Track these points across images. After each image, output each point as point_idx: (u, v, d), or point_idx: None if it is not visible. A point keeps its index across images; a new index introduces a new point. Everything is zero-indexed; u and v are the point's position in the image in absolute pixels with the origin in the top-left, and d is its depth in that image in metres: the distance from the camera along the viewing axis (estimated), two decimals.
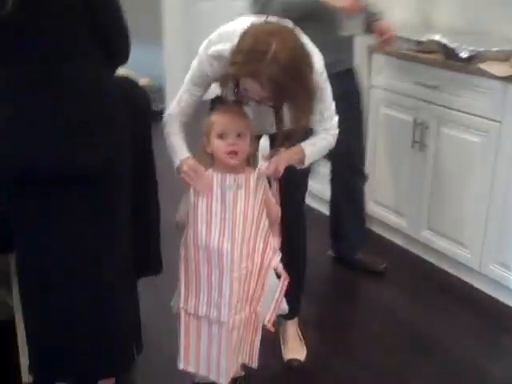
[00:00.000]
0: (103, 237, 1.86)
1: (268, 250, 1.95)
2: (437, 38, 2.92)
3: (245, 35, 1.73)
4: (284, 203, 2.01)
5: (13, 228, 1.86)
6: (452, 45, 2.81)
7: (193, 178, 1.87)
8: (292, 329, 2.47)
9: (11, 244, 1.90)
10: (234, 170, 1.87)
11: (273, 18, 1.81)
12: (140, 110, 2.06)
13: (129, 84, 2.09)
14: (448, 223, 2.96)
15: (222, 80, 1.82)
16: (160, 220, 2.23)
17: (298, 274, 2.30)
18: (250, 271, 1.91)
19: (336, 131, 2.03)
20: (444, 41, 2.87)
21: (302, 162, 1.99)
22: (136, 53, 5.47)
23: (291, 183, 2.04)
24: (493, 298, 2.84)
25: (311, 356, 2.43)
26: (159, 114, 2.06)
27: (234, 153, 1.83)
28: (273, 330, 2.01)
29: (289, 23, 1.79)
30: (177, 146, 1.95)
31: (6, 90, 1.71)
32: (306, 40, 1.83)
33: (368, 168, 3.15)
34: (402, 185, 3.16)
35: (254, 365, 2.06)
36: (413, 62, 2.99)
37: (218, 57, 1.87)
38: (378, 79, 3.20)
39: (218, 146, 1.84)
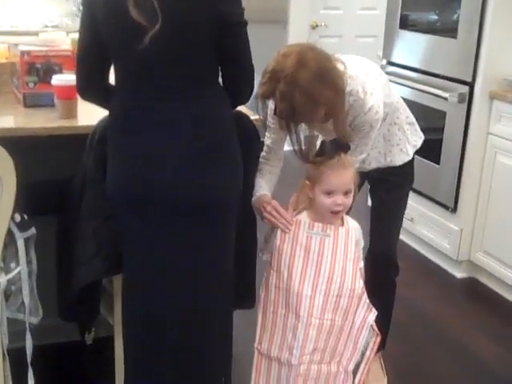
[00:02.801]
0: (217, 263, 1.86)
1: (360, 308, 1.90)
2: None
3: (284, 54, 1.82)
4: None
5: (125, 250, 1.88)
6: None
7: (277, 218, 1.90)
8: (376, 362, 2.43)
9: (120, 265, 1.92)
10: (328, 219, 1.87)
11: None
12: (249, 143, 2.13)
13: (240, 117, 2.16)
14: None
15: (260, 100, 1.87)
16: (256, 253, 2.19)
17: (386, 310, 2.29)
18: (338, 325, 1.88)
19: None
20: None
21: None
22: None
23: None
24: None
25: None
26: None
27: (337, 212, 1.84)
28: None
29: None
30: (257, 183, 2.00)
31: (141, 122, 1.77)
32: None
33: (478, 215, 3.06)
34: None
35: None
36: None
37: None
38: (497, 127, 3.12)
39: (324, 202, 1.84)
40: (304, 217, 1.90)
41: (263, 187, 2.00)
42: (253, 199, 1.99)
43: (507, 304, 3.13)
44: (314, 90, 1.76)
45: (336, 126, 1.87)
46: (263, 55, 5.75)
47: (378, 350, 2.37)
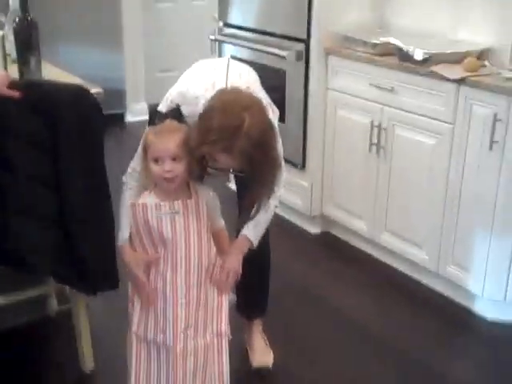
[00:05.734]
0: None
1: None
2: (391, 40, 2.93)
3: (213, 110, 1.74)
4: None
5: None
6: (406, 47, 2.82)
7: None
8: (257, 334, 2.45)
9: None
10: (174, 192, 1.84)
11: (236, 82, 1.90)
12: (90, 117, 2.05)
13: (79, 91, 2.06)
14: (404, 225, 2.98)
15: (194, 158, 1.79)
16: (115, 234, 2.13)
17: (261, 273, 2.32)
18: (203, 298, 1.88)
19: (277, 202, 2.04)
20: (398, 43, 2.88)
21: (252, 246, 2.01)
22: (97, 55, 5.39)
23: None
24: (448, 298, 2.87)
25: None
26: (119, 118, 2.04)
27: (170, 179, 1.80)
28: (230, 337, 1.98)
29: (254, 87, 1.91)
30: (122, 223, 1.92)
31: None
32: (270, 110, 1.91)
33: (325, 170, 3.15)
34: (359, 187, 3.17)
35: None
36: (368, 64, 3.00)
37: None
38: (334, 81, 3.20)
39: (154, 170, 1.81)
40: (151, 199, 1.85)
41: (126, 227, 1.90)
42: (119, 244, 1.92)
43: (360, 253, 3.27)
44: (266, 143, 1.77)
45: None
46: (97, 24, 5.47)
47: (259, 316, 2.44)
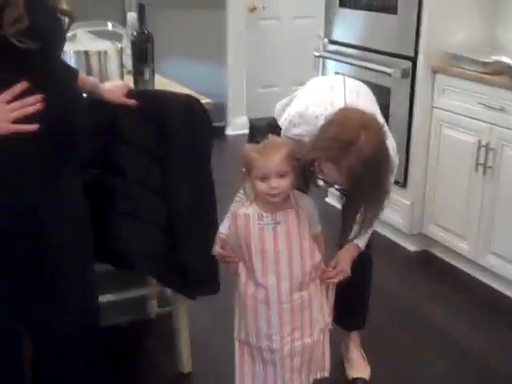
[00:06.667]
0: None
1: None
2: (503, 59, 2.86)
3: (332, 122, 1.77)
4: None
5: None
6: None
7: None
8: (355, 347, 2.45)
9: None
10: (276, 203, 1.85)
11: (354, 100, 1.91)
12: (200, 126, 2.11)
13: (190, 101, 2.13)
14: (510, 248, 2.87)
15: (305, 164, 1.81)
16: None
17: (363, 284, 2.34)
18: (307, 300, 1.90)
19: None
20: (510, 61, 2.80)
21: (360, 250, 2.06)
22: (201, 69, 5.53)
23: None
24: None
25: None
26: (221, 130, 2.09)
27: (276, 195, 1.81)
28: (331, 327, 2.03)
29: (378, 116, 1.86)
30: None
31: None
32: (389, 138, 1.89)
33: (427, 188, 3.09)
34: (464, 208, 3.08)
35: (327, 373, 2.04)
36: (478, 83, 2.93)
37: (297, 140, 1.93)
38: (441, 100, 3.14)
39: (260, 188, 1.81)
40: (253, 209, 1.87)
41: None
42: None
43: (458, 272, 3.19)
44: (377, 167, 1.74)
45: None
46: (203, 40, 5.71)
47: (357, 328, 2.45)
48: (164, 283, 2.35)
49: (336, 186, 1.96)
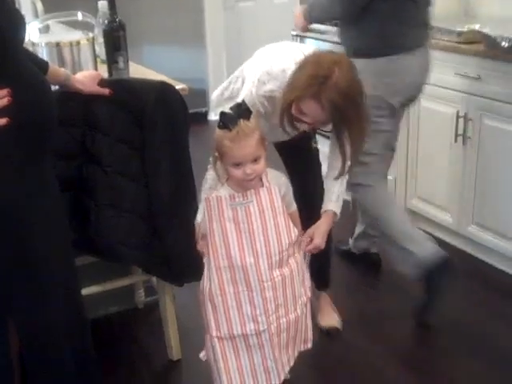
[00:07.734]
0: None
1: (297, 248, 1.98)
2: (478, 27, 2.86)
3: (306, 63, 1.89)
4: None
5: None
6: (494, 34, 2.74)
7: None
8: (327, 299, 2.60)
9: None
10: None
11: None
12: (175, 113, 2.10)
13: (164, 87, 2.12)
14: (493, 217, 2.89)
15: (283, 110, 1.90)
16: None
17: (329, 246, 2.36)
18: (287, 275, 1.92)
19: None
20: (485, 30, 2.80)
21: (336, 218, 2.10)
22: (180, 55, 5.46)
23: None
24: None
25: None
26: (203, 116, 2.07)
27: (251, 179, 1.82)
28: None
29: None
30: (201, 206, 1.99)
31: None
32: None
33: (409, 163, 3.09)
34: (445, 179, 3.10)
35: (310, 345, 2.09)
36: (454, 53, 2.93)
37: (269, 97, 2.02)
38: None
39: (234, 174, 1.82)
40: (225, 190, 1.88)
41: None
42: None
43: (442, 244, 3.18)
44: (354, 97, 1.86)
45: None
46: (180, 25, 5.64)
47: (327, 287, 2.59)
48: (149, 271, 2.35)
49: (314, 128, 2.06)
